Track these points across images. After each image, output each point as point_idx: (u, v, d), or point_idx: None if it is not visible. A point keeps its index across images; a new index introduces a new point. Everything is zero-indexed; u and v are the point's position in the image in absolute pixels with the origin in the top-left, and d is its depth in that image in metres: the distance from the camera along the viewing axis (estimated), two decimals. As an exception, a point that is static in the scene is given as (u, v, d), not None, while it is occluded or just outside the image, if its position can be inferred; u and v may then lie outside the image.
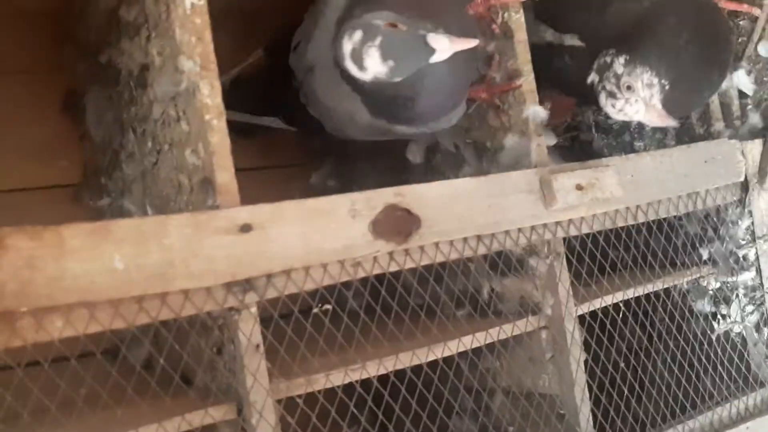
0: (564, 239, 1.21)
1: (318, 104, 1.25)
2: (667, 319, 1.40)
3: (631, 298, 1.31)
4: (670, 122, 1.22)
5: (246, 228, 0.88)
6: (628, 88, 1.21)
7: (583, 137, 1.70)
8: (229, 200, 0.92)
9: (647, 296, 1.35)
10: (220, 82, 0.95)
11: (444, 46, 0.98)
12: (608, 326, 1.30)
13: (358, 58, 0.98)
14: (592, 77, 1.27)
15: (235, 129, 1.48)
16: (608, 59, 1.24)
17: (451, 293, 1.27)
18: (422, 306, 1.21)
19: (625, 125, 1.63)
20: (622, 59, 1.22)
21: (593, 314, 1.27)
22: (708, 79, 1.31)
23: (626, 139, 1.65)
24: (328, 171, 1.71)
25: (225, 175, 0.93)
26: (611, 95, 1.23)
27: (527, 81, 1.23)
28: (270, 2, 1.40)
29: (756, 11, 1.46)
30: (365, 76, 0.99)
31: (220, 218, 0.87)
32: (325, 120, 1.28)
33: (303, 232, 0.92)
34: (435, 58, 0.98)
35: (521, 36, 1.24)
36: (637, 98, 1.21)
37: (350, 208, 0.96)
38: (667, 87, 1.20)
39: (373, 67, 0.97)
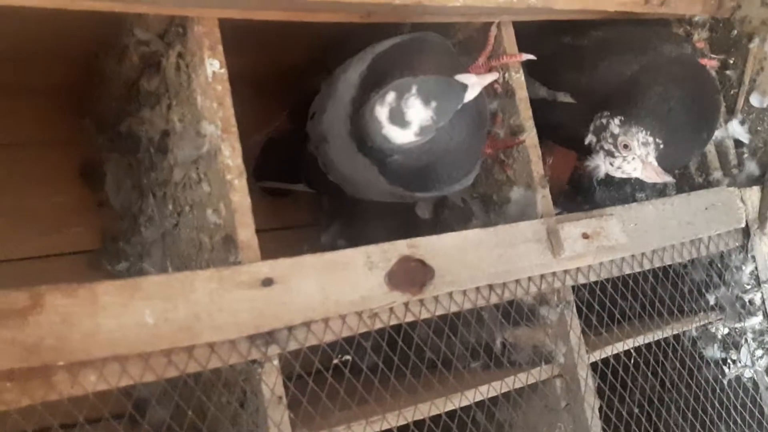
0: (573, 287, 1.24)
1: (336, 172, 1.28)
2: (678, 366, 1.41)
3: (642, 345, 1.33)
4: (666, 178, 1.27)
5: (267, 282, 0.92)
6: (625, 146, 1.26)
7: (585, 189, 1.75)
8: (250, 256, 0.96)
9: (658, 343, 1.36)
10: (240, 145, 1.00)
11: (474, 81, 1.03)
12: (621, 373, 1.32)
13: (398, 115, 0.98)
14: (590, 138, 1.31)
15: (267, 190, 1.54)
16: (604, 121, 1.29)
17: (466, 344, 1.29)
18: (438, 358, 1.24)
19: (626, 178, 1.68)
20: (617, 120, 1.27)
21: (606, 362, 1.29)
22: (697, 138, 1.36)
23: (627, 190, 1.69)
24: (338, 231, 1.75)
25: (246, 232, 0.97)
26: (609, 154, 1.28)
27: (530, 136, 1.28)
28: (284, 70, 1.46)
29: (714, 63, 1.53)
30: (408, 134, 0.99)
31: (243, 273, 0.91)
32: (346, 186, 1.32)
33: (322, 285, 0.96)
34: (469, 95, 1.02)
35: (522, 94, 1.30)
36: (633, 156, 1.26)
37: (366, 260, 1.00)
38: (661, 146, 1.25)
39: (418, 115, 0.98)
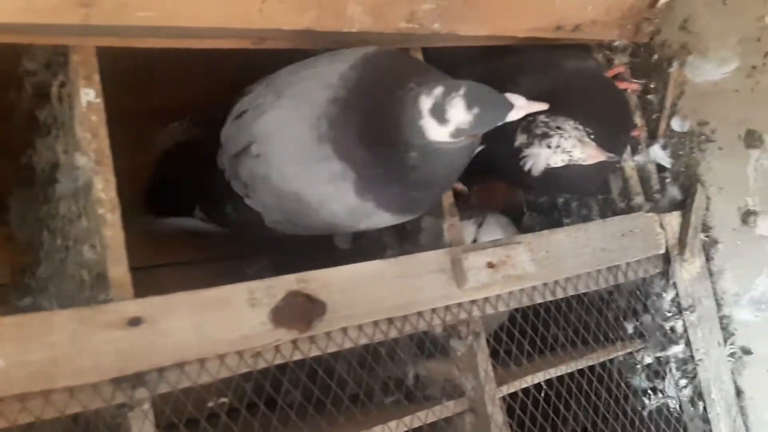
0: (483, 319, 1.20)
1: (266, 192, 1.12)
2: (605, 395, 1.38)
3: (562, 376, 1.30)
4: (607, 155, 1.22)
5: (135, 321, 0.87)
6: (558, 127, 1.22)
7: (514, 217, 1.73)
8: (122, 294, 0.91)
9: (584, 372, 1.33)
10: (115, 177, 0.96)
11: (522, 104, 1.01)
12: (542, 405, 1.28)
13: (439, 111, 0.96)
14: (520, 139, 1.27)
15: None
16: (530, 119, 1.25)
17: (379, 378, 1.25)
18: (346, 394, 1.19)
19: (553, 204, 1.66)
20: (543, 116, 1.23)
21: (526, 392, 1.25)
22: (615, 143, 1.34)
23: (555, 216, 1.67)
24: (261, 264, 1.71)
25: (118, 269, 0.93)
26: (545, 136, 1.23)
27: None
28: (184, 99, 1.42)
29: (636, 87, 1.52)
30: (443, 132, 0.97)
31: (108, 312, 0.86)
32: (270, 211, 1.17)
33: (198, 323, 0.91)
34: (511, 116, 1.01)
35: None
36: (569, 135, 1.22)
37: (249, 296, 0.95)
38: (591, 135, 1.23)
39: (458, 116, 0.96)
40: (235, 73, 1.29)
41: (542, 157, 1.25)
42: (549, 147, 1.24)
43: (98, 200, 0.94)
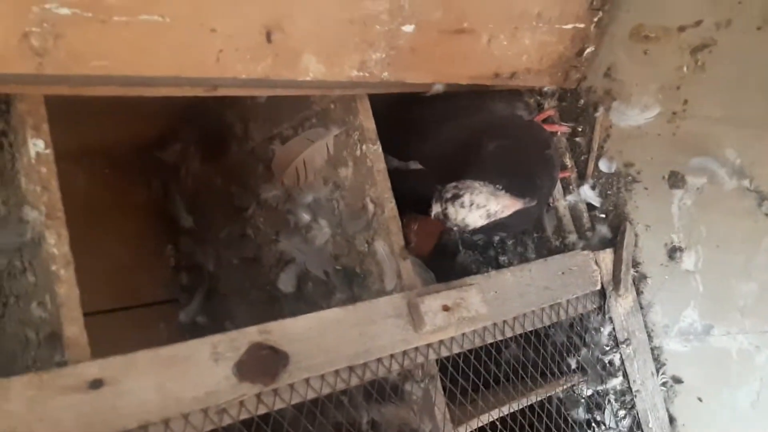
0: (437, 361, 1.22)
1: None
2: (553, 429, 1.41)
3: (512, 413, 1.32)
4: (522, 203, 1.24)
5: (96, 384, 0.83)
6: (467, 187, 1.24)
7: (450, 254, 1.76)
8: (78, 354, 0.87)
9: (531, 408, 1.36)
10: (67, 231, 0.92)
11: None
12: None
13: None
14: (435, 209, 1.26)
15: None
16: (438, 188, 1.27)
17: (334, 424, 1.24)
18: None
19: (489, 242, 1.71)
20: (452, 184, 1.25)
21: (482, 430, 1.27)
22: (533, 188, 1.37)
23: (491, 254, 1.72)
24: (197, 307, 1.67)
25: (74, 327, 0.88)
26: (455, 197, 1.23)
27: (389, 208, 1.27)
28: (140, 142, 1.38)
29: (565, 129, 1.61)
30: None
31: (67, 376, 0.82)
32: None
33: (160, 383, 0.88)
34: None
35: (380, 166, 1.29)
36: (479, 191, 1.24)
37: (212, 351, 0.93)
38: (501, 188, 1.24)
39: None
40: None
41: (460, 217, 1.28)
42: (463, 206, 1.26)
43: (50, 256, 0.90)
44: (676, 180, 1.47)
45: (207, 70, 1.02)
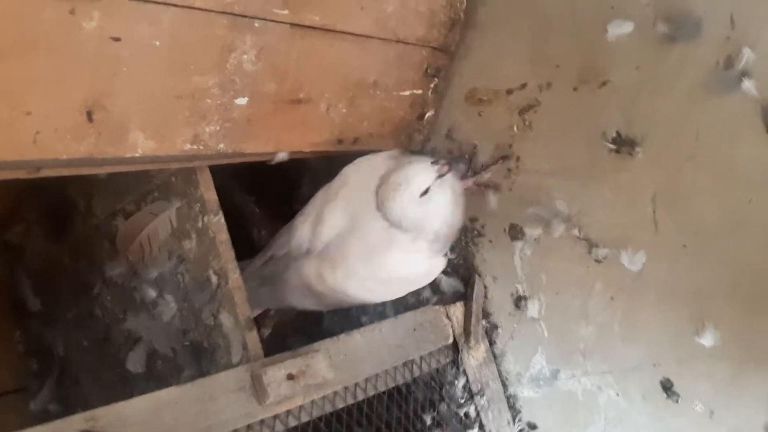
0: None
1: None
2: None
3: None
4: None
5: None
6: None
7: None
8: None
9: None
10: None
11: None
12: None
13: None
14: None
15: None
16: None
17: None
18: None
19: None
20: None
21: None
22: None
23: (353, 314, 1.74)
24: (49, 394, 1.59)
25: None
26: None
27: (233, 278, 1.27)
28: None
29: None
30: None
31: None
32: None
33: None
34: None
35: (223, 236, 1.29)
36: None
37: (32, 445, 0.88)
38: None
39: None
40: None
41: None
42: None
43: None
44: (515, 232, 1.55)
45: (24, 152, 1.00)
